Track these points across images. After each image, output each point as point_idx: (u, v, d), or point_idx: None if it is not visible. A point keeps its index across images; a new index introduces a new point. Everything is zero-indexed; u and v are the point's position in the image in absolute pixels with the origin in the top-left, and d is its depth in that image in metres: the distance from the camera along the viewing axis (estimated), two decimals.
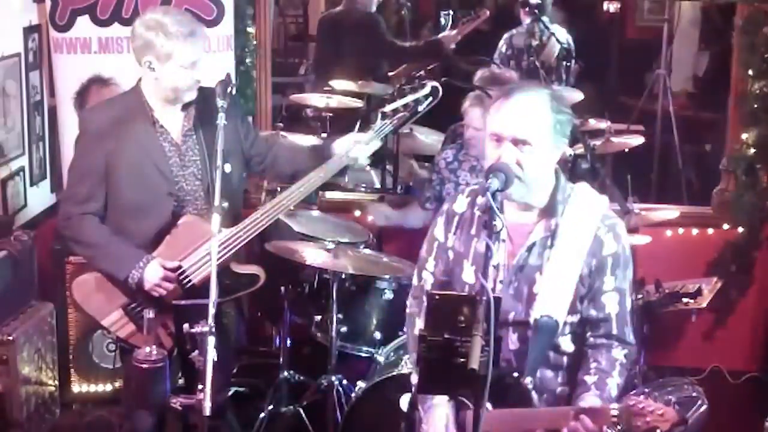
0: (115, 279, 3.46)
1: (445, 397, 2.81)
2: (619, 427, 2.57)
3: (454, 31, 6.43)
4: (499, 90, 2.82)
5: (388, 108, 3.57)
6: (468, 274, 2.85)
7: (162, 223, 3.45)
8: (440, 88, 3.56)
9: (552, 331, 2.73)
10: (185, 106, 3.49)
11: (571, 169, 5.04)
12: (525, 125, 2.67)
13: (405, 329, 3.15)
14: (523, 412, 2.73)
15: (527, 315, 2.75)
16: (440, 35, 6.45)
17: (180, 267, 3.44)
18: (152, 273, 3.39)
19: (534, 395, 2.76)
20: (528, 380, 2.74)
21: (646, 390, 3.93)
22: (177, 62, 3.35)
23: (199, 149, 3.49)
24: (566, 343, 2.80)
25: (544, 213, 2.78)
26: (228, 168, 3.42)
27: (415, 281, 3.03)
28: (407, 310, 3.05)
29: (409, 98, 3.57)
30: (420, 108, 3.57)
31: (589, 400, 2.65)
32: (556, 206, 2.77)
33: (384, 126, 3.56)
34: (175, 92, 3.42)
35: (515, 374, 2.74)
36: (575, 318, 2.79)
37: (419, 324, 2.97)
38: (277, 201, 3.52)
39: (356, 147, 3.53)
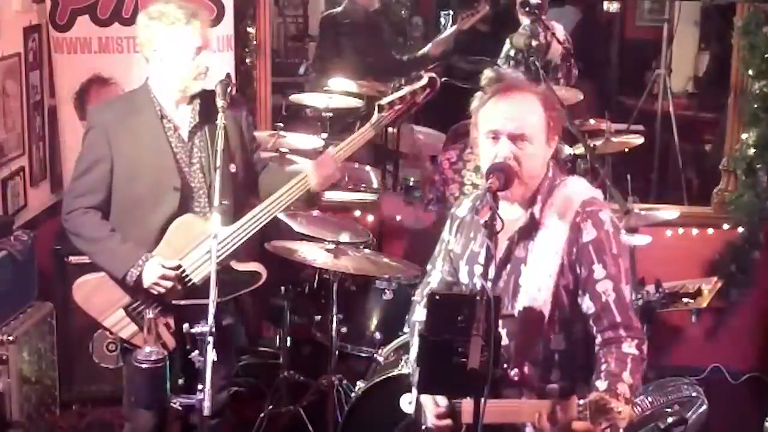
0: (115, 279, 3.46)
1: None
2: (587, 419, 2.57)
3: (441, 38, 6.46)
4: (491, 89, 2.83)
5: (384, 101, 3.55)
6: (463, 275, 2.90)
7: (167, 218, 3.44)
8: (438, 80, 3.55)
9: (537, 322, 2.72)
10: (192, 100, 3.49)
11: (571, 169, 5.05)
12: (521, 121, 2.72)
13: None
14: (503, 404, 2.70)
15: (512, 308, 2.76)
16: (426, 47, 6.45)
17: (180, 266, 3.44)
18: (151, 271, 3.39)
19: (523, 390, 2.76)
20: (514, 372, 2.75)
21: (649, 388, 3.94)
22: (181, 48, 3.37)
23: (206, 146, 3.50)
24: (557, 340, 2.79)
25: (527, 204, 2.80)
26: (233, 168, 3.44)
27: (427, 273, 3.07)
28: (413, 298, 3.10)
29: (405, 90, 3.55)
30: (417, 100, 3.55)
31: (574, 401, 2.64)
32: (535, 196, 2.79)
33: (381, 119, 3.55)
34: (182, 81, 3.42)
35: (504, 365, 2.75)
36: (564, 313, 2.77)
37: (419, 310, 3.02)
38: (275, 197, 3.51)
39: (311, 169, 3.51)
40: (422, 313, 2.98)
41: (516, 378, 2.75)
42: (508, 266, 2.79)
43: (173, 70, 3.41)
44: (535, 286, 2.73)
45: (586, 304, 2.77)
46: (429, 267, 3.06)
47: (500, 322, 2.75)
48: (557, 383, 2.80)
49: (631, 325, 2.75)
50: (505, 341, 2.77)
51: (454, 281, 2.95)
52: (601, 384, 2.66)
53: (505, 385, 2.75)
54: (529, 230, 2.77)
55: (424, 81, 3.54)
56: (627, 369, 2.68)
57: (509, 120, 2.72)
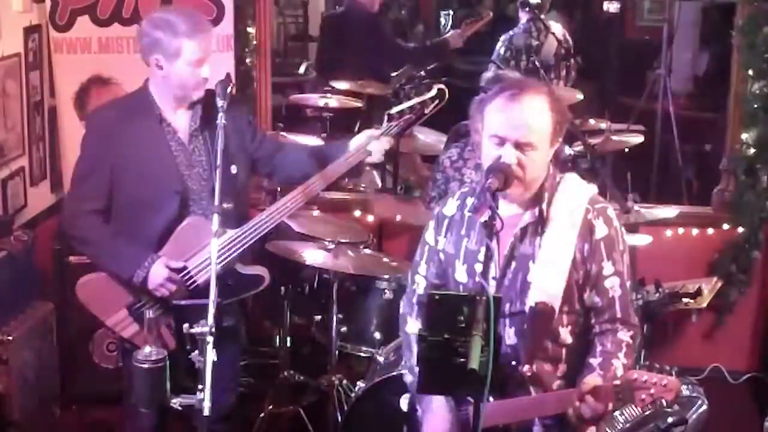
0: (119, 279, 3.46)
1: (443, 401, 2.82)
2: (622, 403, 2.58)
3: (459, 30, 6.42)
4: (497, 88, 2.81)
5: (394, 110, 3.56)
6: (461, 274, 2.87)
7: (168, 222, 3.44)
8: (446, 91, 3.56)
9: (548, 318, 2.74)
10: (192, 105, 3.49)
11: (571, 169, 5.05)
12: (530, 129, 2.69)
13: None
14: (526, 400, 2.74)
15: (522, 304, 2.76)
16: (447, 35, 6.42)
17: (185, 267, 3.43)
18: (157, 273, 3.39)
19: (531, 388, 2.77)
20: (526, 368, 2.76)
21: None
22: (185, 59, 3.35)
23: (206, 149, 3.49)
24: (565, 335, 2.81)
25: (530, 202, 2.80)
26: (234, 169, 3.43)
27: (409, 283, 3.06)
28: (401, 311, 3.09)
29: (415, 100, 3.56)
30: (426, 111, 3.55)
31: (591, 380, 2.65)
32: (542, 194, 2.79)
33: (390, 128, 3.55)
34: (183, 90, 3.42)
35: (513, 362, 2.76)
36: (572, 307, 2.79)
37: (411, 323, 3.02)
38: (281, 203, 3.51)
39: (371, 142, 3.51)
40: (415, 325, 3.00)
41: (529, 374, 2.76)
42: (513, 263, 2.79)
43: (172, 80, 3.40)
44: (548, 282, 2.74)
45: (593, 299, 2.81)
46: (411, 275, 3.04)
47: (508, 320, 2.77)
48: (562, 378, 2.82)
49: (629, 321, 2.82)
50: (513, 339, 2.79)
51: (442, 283, 2.94)
52: (595, 360, 2.74)
53: (514, 383, 2.76)
54: (537, 227, 2.78)
55: (433, 92, 3.54)
56: (622, 351, 2.76)
57: (517, 128, 2.69)
